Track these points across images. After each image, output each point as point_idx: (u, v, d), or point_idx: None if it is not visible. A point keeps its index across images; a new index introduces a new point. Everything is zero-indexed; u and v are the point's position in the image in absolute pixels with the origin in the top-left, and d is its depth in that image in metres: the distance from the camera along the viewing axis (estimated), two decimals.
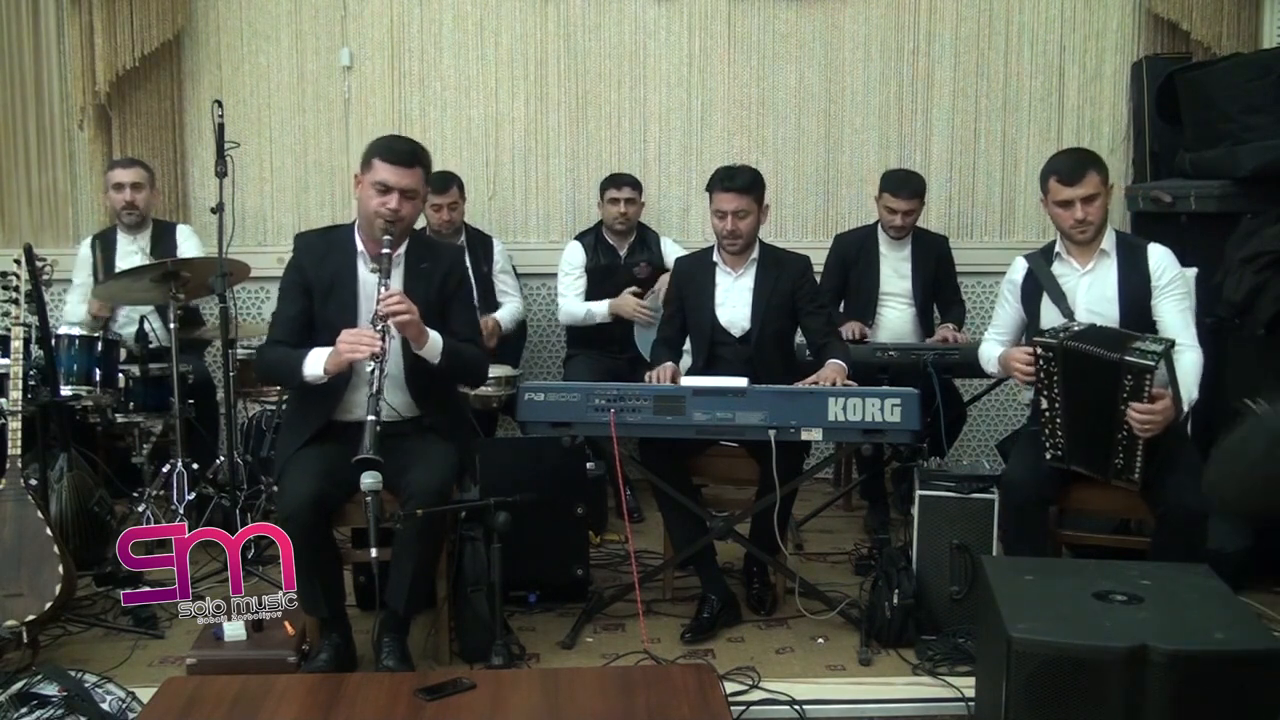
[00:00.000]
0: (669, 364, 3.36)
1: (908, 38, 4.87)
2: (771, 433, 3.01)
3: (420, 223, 4.34)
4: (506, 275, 4.58)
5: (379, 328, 2.76)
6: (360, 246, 2.99)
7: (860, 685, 2.87)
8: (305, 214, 4.86)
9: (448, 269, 3.06)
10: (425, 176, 2.96)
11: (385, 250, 2.85)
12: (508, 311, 4.48)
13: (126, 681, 2.66)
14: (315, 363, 2.84)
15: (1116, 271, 3.11)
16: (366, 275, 2.95)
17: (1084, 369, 2.83)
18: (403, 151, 2.90)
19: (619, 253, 4.49)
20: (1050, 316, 3.11)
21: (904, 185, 4.23)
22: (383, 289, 2.80)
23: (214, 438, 4.13)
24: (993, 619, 2.33)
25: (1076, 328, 2.93)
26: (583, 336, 4.50)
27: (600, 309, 4.39)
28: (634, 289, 4.36)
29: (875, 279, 4.31)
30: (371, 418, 2.71)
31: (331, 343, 2.81)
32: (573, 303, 4.46)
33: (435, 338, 2.89)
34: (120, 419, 3.86)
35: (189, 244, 4.30)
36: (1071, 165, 3.08)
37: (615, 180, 4.48)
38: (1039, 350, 2.90)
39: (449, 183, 4.39)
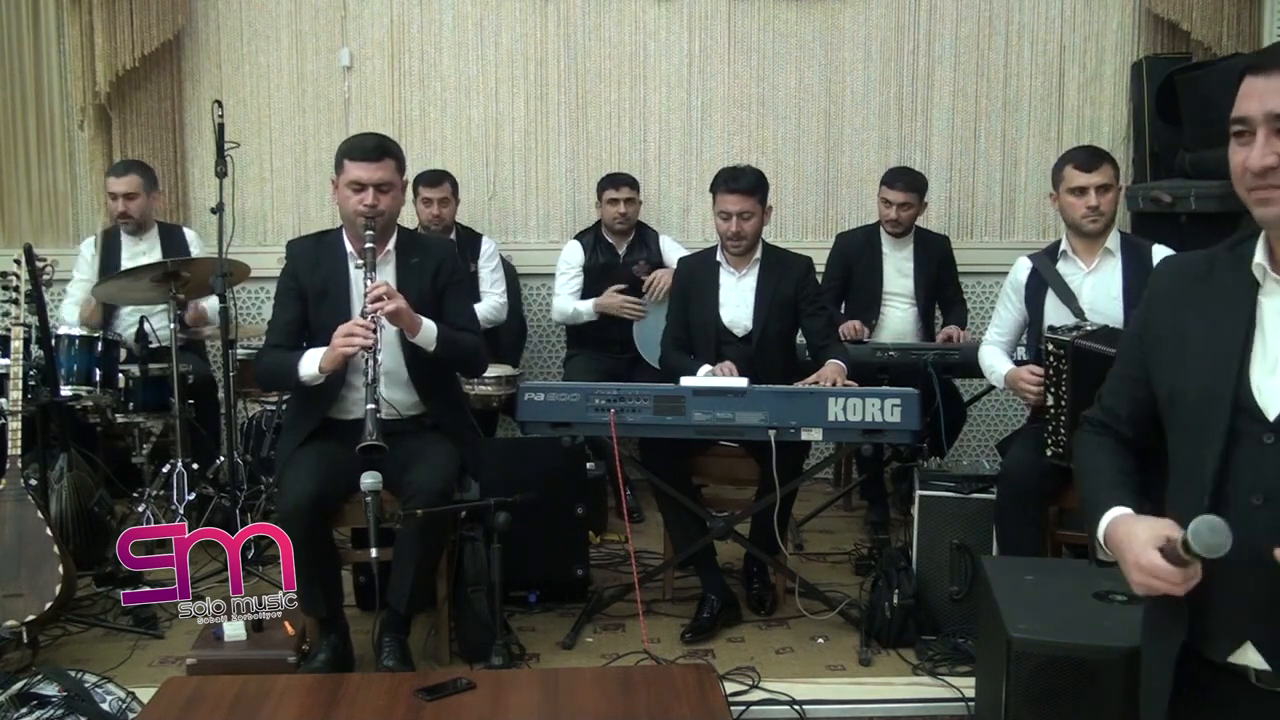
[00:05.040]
0: (728, 362, 3.38)
1: (908, 38, 4.87)
2: (771, 433, 3.02)
3: (412, 221, 4.35)
4: (492, 271, 4.48)
5: (369, 319, 2.78)
6: (349, 248, 3.01)
7: (860, 685, 2.87)
8: (305, 214, 4.86)
9: (439, 262, 3.08)
10: (398, 167, 2.99)
11: (369, 245, 2.87)
12: (484, 307, 4.33)
13: (126, 681, 2.67)
14: (310, 363, 2.86)
15: (1121, 271, 3.12)
16: (357, 276, 2.96)
17: (1090, 368, 2.84)
18: (370, 147, 2.93)
19: (618, 252, 4.49)
20: (1055, 316, 3.11)
21: (899, 178, 4.24)
22: (368, 283, 2.83)
23: (215, 438, 4.13)
24: (993, 619, 2.33)
25: (1089, 328, 2.94)
26: (583, 336, 4.49)
27: (585, 307, 4.39)
28: (620, 285, 4.36)
29: (879, 278, 4.32)
30: (371, 406, 2.73)
31: (327, 345, 2.82)
32: (564, 300, 4.46)
33: (429, 325, 2.90)
34: (120, 419, 3.86)
35: (195, 250, 4.29)
36: (1089, 155, 3.16)
37: (614, 180, 4.47)
38: (1050, 347, 2.91)
39: (441, 178, 4.39)
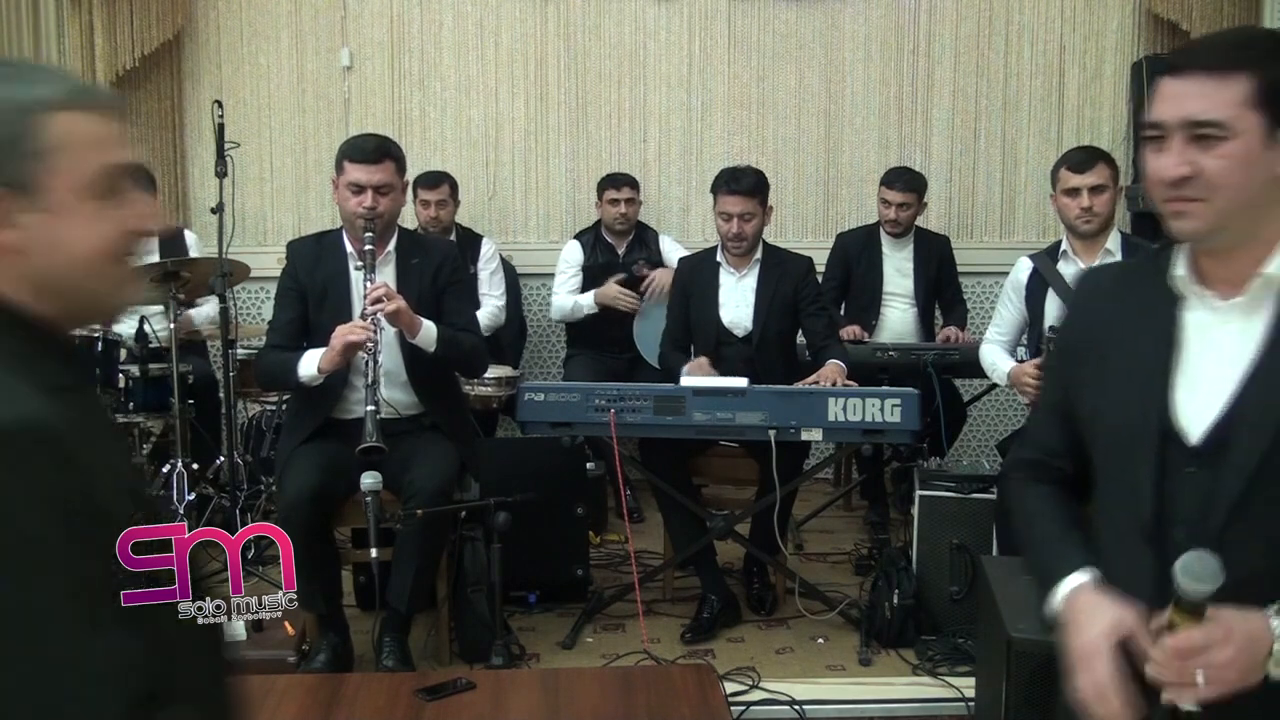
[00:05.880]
0: (703, 359, 3.39)
1: (908, 38, 4.87)
2: (771, 433, 3.02)
3: (412, 222, 4.35)
4: (492, 274, 4.47)
5: (368, 320, 2.79)
6: (349, 249, 3.02)
7: (860, 685, 2.87)
8: (305, 214, 4.86)
9: (439, 263, 3.08)
10: (397, 169, 2.99)
11: (368, 247, 2.88)
12: (481, 314, 4.19)
13: None
14: (310, 363, 2.86)
15: None
16: (358, 276, 2.97)
17: None
18: (369, 149, 2.93)
19: (618, 251, 4.49)
20: (1055, 316, 3.12)
21: (898, 178, 4.25)
22: (368, 284, 2.83)
23: (215, 438, 4.13)
24: (993, 619, 2.33)
25: None
26: (583, 336, 4.49)
27: (586, 300, 4.39)
28: (620, 277, 4.36)
29: (879, 278, 4.32)
30: (370, 408, 2.74)
31: (327, 346, 2.83)
32: (563, 298, 4.45)
33: (429, 326, 2.91)
34: (120, 419, 3.85)
35: (195, 250, 4.28)
36: (1083, 156, 3.17)
37: (614, 180, 4.47)
38: (1052, 348, 2.91)
39: (440, 179, 4.38)
